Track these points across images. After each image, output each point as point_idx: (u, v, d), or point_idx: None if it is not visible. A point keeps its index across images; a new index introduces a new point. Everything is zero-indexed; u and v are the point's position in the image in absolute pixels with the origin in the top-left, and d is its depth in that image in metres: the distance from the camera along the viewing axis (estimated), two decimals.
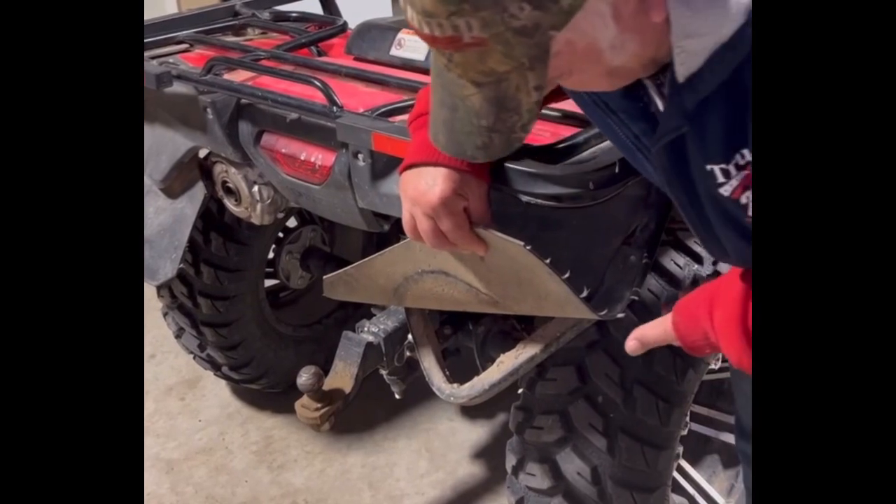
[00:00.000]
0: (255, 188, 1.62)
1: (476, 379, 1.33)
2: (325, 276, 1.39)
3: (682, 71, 0.79)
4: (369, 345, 1.50)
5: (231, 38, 1.82)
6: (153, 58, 1.66)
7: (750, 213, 0.83)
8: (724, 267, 1.45)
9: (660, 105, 0.86)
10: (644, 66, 0.82)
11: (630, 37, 0.77)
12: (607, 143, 1.17)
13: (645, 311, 1.37)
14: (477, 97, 0.78)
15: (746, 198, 0.82)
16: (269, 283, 2.24)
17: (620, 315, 1.22)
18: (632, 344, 1.03)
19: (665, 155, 0.86)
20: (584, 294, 1.17)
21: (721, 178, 0.82)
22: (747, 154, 0.79)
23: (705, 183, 0.84)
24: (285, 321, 2.29)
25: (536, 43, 0.73)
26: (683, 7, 0.76)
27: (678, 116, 0.82)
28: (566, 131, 1.23)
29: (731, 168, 0.81)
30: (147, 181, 1.67)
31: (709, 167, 0.82)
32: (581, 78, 0.82)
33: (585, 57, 0.77)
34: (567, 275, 1.10)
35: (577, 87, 0.85)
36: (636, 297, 1.26)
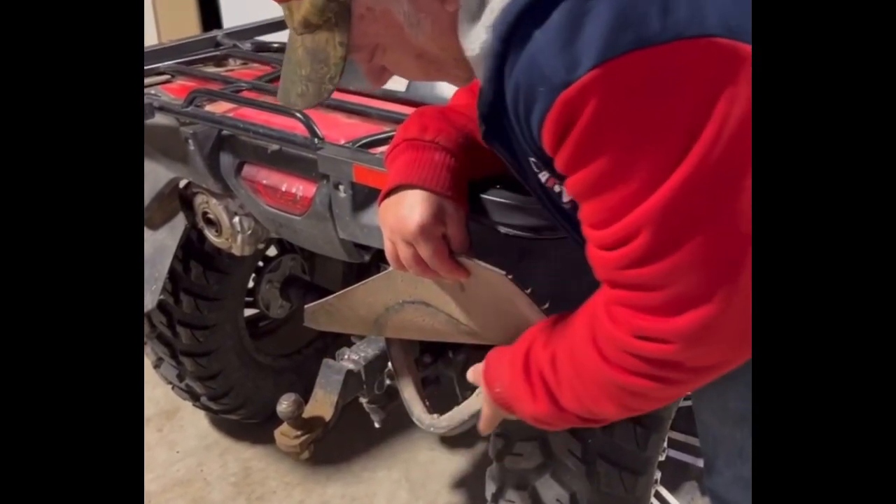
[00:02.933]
0: (236, 219, 1.65)
1: (456, 409, 1.35)
2: (306, 306, 1.42)
3: (478, 74, 0.87)
4: (349, 372, 1.53)
5: (212, 69, 1.85)
6: None
7: (564, 199, 0.95)
8: None
9: None
10: (456, 61, 0.89)
11: (425, 17, 0.86)
12: None
13: None
14: (301, 48, 0.91)
15: (559, 187, 0.93)
16: (248, 312, 2.26)
17: None
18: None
19: (496, 147, 0.95)
20: None
21: (535, 168, 0.92)
22: (536, 164, 0.90)
23: (530, 171, 0.94)
24: (265, 351, 2.31)
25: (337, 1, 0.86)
26: (465, 12, 0.84)
27: (480, 117, 0.91)
28: None
29: (540, 162, 0.90)
30: None
31: (528, 158, 0.92)
32: (394, 56, 0.92)
33: (387, 27, 0.88)
34: (546, 306, 1.14)
35: (395, 67, 0.94)
36: None
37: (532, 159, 0.91)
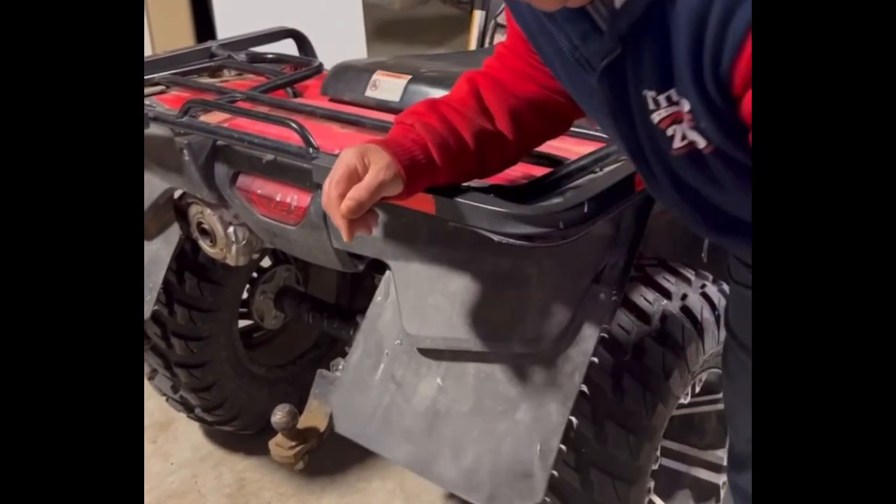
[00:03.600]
0: (231, 229, 1.67)
1: None
2: None
3: None
4: None
5: (207, 80, 1.87)
6: None
7: (675, 145, 0.89)
8: (692, 301, 1.51)
9: (603, 27, 0.89)
10: None
11: None
12: (576, 183, 1.23)
13: (616, 347, 1.43)
14: None
15: (672, 130, 0.88)
16: (242, 323, 2.27)
17: (593, 359, 1.27)
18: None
19: (606, 78, 0.91)
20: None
21: (651, 105, 0.88)
22: (675, 96, 0.85)
23: (640, 109, 0.90)
24: (259, 362, 2.32)
25: None
26: None
27: (614, 39, 0.87)
28: (537, 171, 1.29)
29: (662, 99, 0.86)
30: None
31: (643, 92, 0.87)
32: None
33: None
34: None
35: None
36: (606, 335, 1.31)
37: (652, 94, 0.87)
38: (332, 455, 2.22)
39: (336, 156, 1.35)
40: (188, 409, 2.24)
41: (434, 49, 5.79)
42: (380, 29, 6.47)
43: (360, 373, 1.44)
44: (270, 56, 2.00)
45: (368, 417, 1.41)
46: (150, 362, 2.13)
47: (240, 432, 2.35)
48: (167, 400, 2.25)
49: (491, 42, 2.55)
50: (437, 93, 1.57)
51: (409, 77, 1.63)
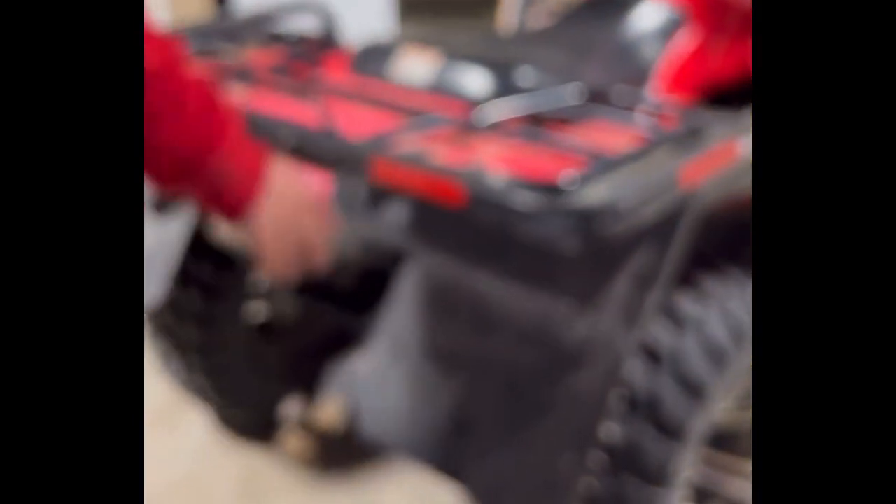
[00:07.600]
0: None
1: None
2: None
3: None
4: None
5: (227, 55, 1.85)
6: None
7: None
8: (735, 305, 1.47)
9: None
10: None
11: None
12: (615, 177, 1.19)
13: (653, 354, 1.39)
14: None
15: None
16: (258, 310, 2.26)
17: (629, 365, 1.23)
18: None
19: None
20: None
21: None
22: None
23: None
24: (273, 351, 2.30)
25: None
26: None
27: None
28: (571, 164, 1.26)
29: None
30: None
31: None
32: None
33: None
34: None
35: None
36: (643, 340, 1.28)
37: None
38: (344, 450, 2.20)
39: (360, 139, 1.33)
40: (199, 393, 2.23)
41: (468, 26, 5.75)
42: (411, 4, 6.42)
43: (378, 371, 1.41)
44: (289, 33, 1.98)
45: (389, 419, 1.39)
46: (162, 346, 2.12)
47: (249, 422, 2.34)
48: (177, 384, 2.24)
49: (524, 19, 2.51)
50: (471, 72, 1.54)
51: (442, 56, 1.60)
